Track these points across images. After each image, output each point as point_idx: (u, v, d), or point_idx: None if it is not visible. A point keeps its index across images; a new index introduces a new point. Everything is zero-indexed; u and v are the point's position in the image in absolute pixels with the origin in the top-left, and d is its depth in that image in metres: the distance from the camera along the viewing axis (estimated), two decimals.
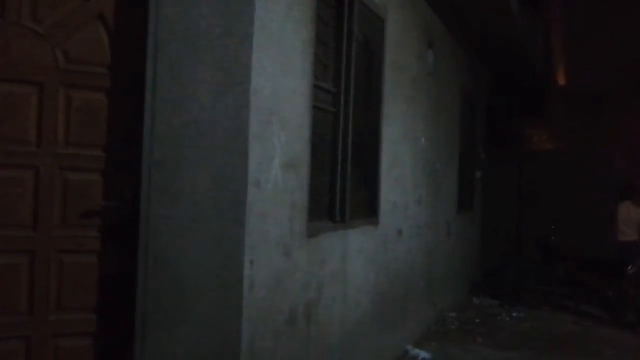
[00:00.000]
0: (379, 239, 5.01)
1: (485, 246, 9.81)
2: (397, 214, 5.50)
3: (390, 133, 5.25)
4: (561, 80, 22.17)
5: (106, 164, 3.05)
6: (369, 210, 4.91)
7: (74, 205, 2.98)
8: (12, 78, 2.91)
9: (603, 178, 9.71)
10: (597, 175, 9.65)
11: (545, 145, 18.06)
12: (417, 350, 5.55)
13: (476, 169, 9.31)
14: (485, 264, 9.68)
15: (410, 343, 5.72)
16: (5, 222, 2.91)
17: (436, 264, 6.94)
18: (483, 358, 5.65)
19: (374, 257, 4.91)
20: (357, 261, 4.51)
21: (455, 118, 7.90)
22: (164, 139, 3.00)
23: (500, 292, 8.58)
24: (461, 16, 7.02)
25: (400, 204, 5.58)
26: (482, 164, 9.62)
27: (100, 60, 3.06)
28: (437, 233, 6.98)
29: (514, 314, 7.63)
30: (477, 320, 7.21)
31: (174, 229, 3.00)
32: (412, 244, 5.96)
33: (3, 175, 2.91)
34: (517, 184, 10.03)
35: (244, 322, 3.00)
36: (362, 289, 4.65)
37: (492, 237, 9.84)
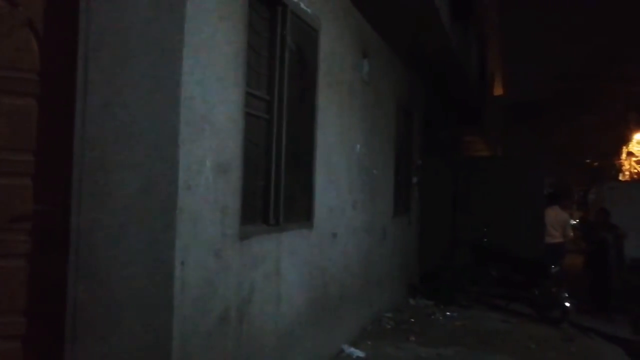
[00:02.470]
0: (314, 242, 5.17)
1: (422, 249, 10.14)
2: (332, 218, 5.68)
3: (325, 140, 5.43)
4: (497, 91, 23.09)
5: (37, 169, 3.08)
6: (304, 214, 5.07)
7: (4, 209, 3.01)
8: None
9: (532, 183, 10.20)
10: (527, 180, 10.12)
11: (481, 152, 18.81)
12: (352, 349, 5.73)
13: (412, 174, 9.63)
14: (422, 266, 10.00)
15: (345, 342, 5.89)
16: None
17: (373, 266, 7.16)
18: (415, 355, 5.88)
19: (309, 260, 5.06)
20: (291, 263, 4.65)
21: (391, 126, 8.18)
22: (94, 144, 3.07)
23: (435, 293, 8.90)
24: (394, 28, 7.30)
25: (335, 208, 5.77)
26: (418, 170, 9.95)
27: (30, 66, 3.10)
28: (373, 236, 7.21)
29: (448, 314, 7.95)
30: (412, 320, 7.47)
31: (104, 233, 3.06)
32: (348, 247, 6.15)
33: None
34: (453, 189, 10.40)
35: (175, 323, 3.09)
36: (297, 291, 4.80)
37: (429, 240, 10.18)
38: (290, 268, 4.64)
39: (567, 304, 7.80)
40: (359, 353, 5.67)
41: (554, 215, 9.17)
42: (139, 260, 3.08)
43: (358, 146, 6.55)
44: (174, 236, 3.09)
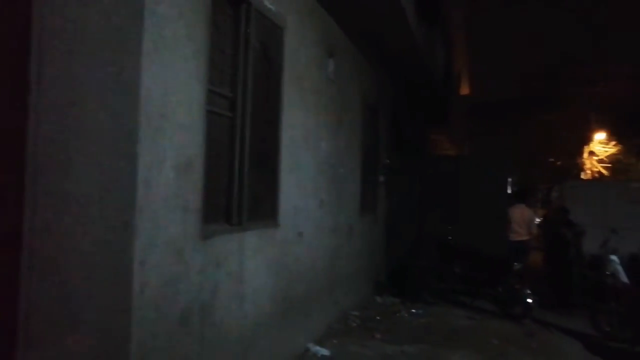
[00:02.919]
0: (278, 241, 5.15)
1: (389, 247, 10.20)
2: (298, 217, 5.66)
3: (290, 138, 5.41)
4: (464, 91, 23.41)
5: None
6: (268, 213, 5.04)
7: None
8: None
9: (496, 182, 10.36)
10: (491, 179, 10.28)
11: (447, 151, 19.05)
12: (317, 348, 5.73)
13: (379, 173, 9.68)
14: (389, 264, 10.07)
15: (311, 341, 5.89)
16: None
17: (339, 265, 7.17)
18: (380, 353, 5.91)
19: (274, 259, 5.04)
20: (255, 263, 4.63)
21: (358, 125, 8.20)
22: (49, 143, 3.00)
23: (401, 290, 8.97)
24: (360, 27, 7.32)
25: (301, 207, 5.76)
26: (385, 168, 10.01)
27: None
28: (339, 235, 7.22)
29: (413, 311, 8.03)
30: (378, 317, 7.51)
31: (60, 233, 3.00)
32: (313, 246, 6.15)
33: None
34: (419, 187, 10.50)
35: (133, 324, 3.05)
36: (261, 290, 4.77)
37: (396, 239, 10.25)
38: (254, 267, 4.61)
39: (529, 300, 7.94)
40: (324, 352, 5.68)
41: (519, 213, 9.31)
42: (96, 260, 3.02)
43: (324, 145, 6.55)
44: (133, 236, 3.04)
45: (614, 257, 8.27)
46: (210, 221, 3.97)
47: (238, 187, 4.38)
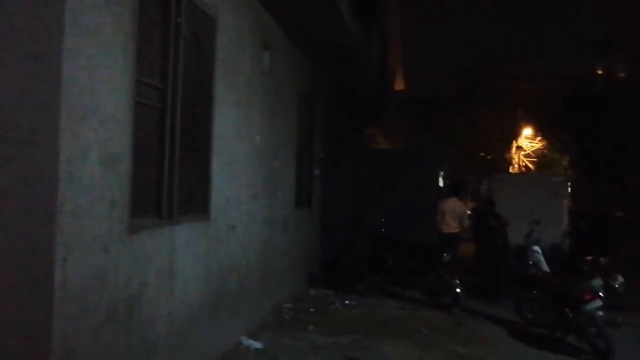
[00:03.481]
0: (210, 235, 5.11)
1: (324, 240, 10.30)
2: (230, 210, 5.63)
3: (223, 131, 5.36)
4: (399, 86, 23.84)
5: None
6: (200, 206, 4.98)
7: None
8: None
9: (427, 175, 10.65)
10: (422, 173, 10.56)
11: (382, 145, 19.38)
12: (250, 341, 5.72)
13: (314, 166, 9.74)
14: (324, 256, 10.17)
15: (244, 334, 5.88)
16: None
17: (273, 258, 7.18)
18: (313, 344, 5.97)
19: (206, 253, 4.99)
20: (186, 257, 4.56)
21: (293, 119, 8.22)
22: None
23: (335, 282, 9.09)
24: (295, 21, 7.32)
25: (234, 200, 5.72)
26: (320, 162, 10.08)
27: None
28: (273, 228, 7.23)
29: (347, 302, 8.15)
30: (312, 309, 7.58)
31: None
32: (247, 239, 6.13)
33: None
34: (354, 180, 10.65)
35: (55, 321, 2.95)
36: (192, 284, 4.72)
37: (330, 231, 10.36)
38: (185, 262, 4.55)
39: (458, 290, 8.23)
40: (257, 345, 5.68)
41: (452, 206, 9.61)
42: (17, 257, 2.90)
43: (258, 137, 6.52)
44: (54, 231, 2.93)
45: (536, 248, 8.72)
46: (139, 215, 3.88)
47: (168, 180, 4.30)
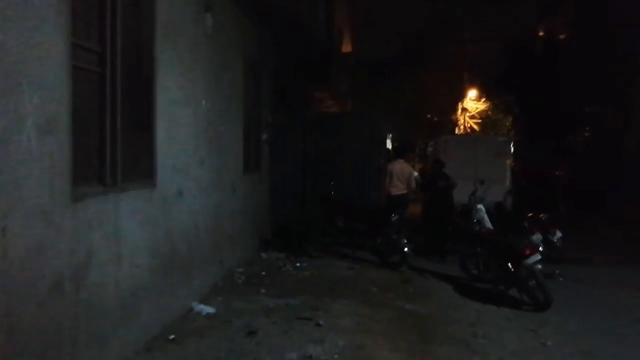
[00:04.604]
0: (156, 201, 5.04)
1: (274, 205, 10.32)
2: (177, 176, 5.55)
3: (166, 95, 5.24)
4: (346, 48, 23.73)
5: None
6: (145, 173, 4.89)
7: None
8: None
9: (374, 138, 10.75)
10: (370, 136, 10.65)
11: (330, 109, 19.38)
12: (201, 306, 5.74)
13: (262, 131, 9.68)
14: (274, 221, 10.21)
15: (195, 300, 5.88)
16: None
17: (223, 223, 7.16)
18: (265, 306, 6.04)
19: (152, 219, 4.93)
20: (132, 224, 4.50)
21: (239, 83, 8.09)
22: None
23: (286, 245, 9.16)
24: None
25: (180, 166, 5.64)
26: (268, 127, 10.02)
27: None
28: (222, 193, 7.18)
29: (298, 265, 8.25)
30: (263, 273, 7.64)
31: None
32: (195, 205, 6.08)
33: None
34: (302, 145, 10.64)
35: None
36: (140, 251, 4.67)
37: (280, 196, 10.39)
38: (131, 229, 4.48)
39: (406, 249, 8.44)
40: (208, 309, 5.70)
41: (399, 168, 9.74)
42: None
43: (203, 102, 6.41)
44: None
45: (480, 206, 8.98)
46: (82, 183, 3.79)
47: (110, 146, 4.20)
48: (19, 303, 3.07)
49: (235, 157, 7.93)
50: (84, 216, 3.76)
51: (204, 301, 5.97)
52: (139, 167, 4.76)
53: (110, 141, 4.19)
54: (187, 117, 5.90)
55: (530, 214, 9.55)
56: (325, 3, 13.15)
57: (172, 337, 4.89)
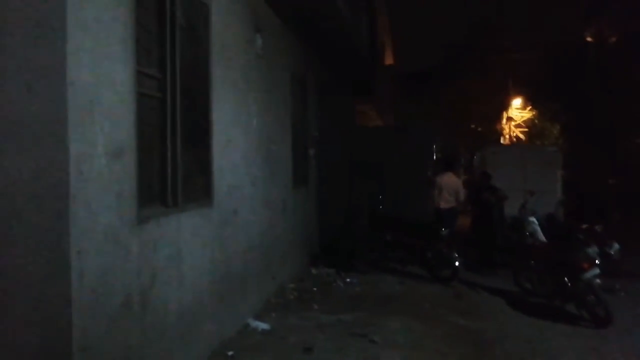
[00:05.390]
0: (214, 221, 5.16)
1: (322, 220, 10.38)
2: (232, 195, 5.67)
3: (221, 116, 5.38)
4: (388, 61, 23.75)
5: None
6: (203, 193, 5.02)
7: None
8: None
9: (422, 151, 10.72)
10: (417, 149, 10.62)
11: (374, 122, 19.39)
12: (257, 323, 5.82)
13: (309, 146, 9.77)
14: (323, 236, 10.26)
15: (250, 316, 5.98)
16: None
17: (275, 240, 7.25)
18: (318, 323, 6.08)
19: (211, 238, 5.05)
20: (192, 243, 4.62)
21: (287, 99, 8.22)
22: None
23: (335, 261, 9.19)
24: (286, 1, 7.29)
25: (235, 185, 5.76)
26: (315, 141, 10.11)
27: None
28: (274, 210, 7.29)
29: (348, 280, 8.27)
30: (315, 289, 7.69)
31: None
32: (249, 223, 6.19)
33: None
34: (349, 159, 10.69)
35: (74, 313, 3.01)
36: (199, 270, 4.78)
37: (328, 211, 10.44)
38: (191, 248, 4.61)
39: (457, 263, 8.36)
40: (264, 325, 5.78)
41: (448, 181, 9.65)
42: (32, 251, 2.95)
43: (255, 121, 6.54)
44: (68, 224, 2.98)
45: (532, 219, 8.83)
46: (146, 205, 3.92)
47: (171, 168, 4.34)
48: (93, 323, 3.20)
49: (285, 174, 8.03)
50: (148, 237, 3.89)
51: (258, 317, 6.06)
52: (197, 188, 4.89)
53: (171, 163, 4.33)
54: (240, 137, 6.03)
55: (584, 226, 9.31)
56: (368, 16, 13.23)
57: (230, 353, 4.98)
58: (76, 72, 3.05)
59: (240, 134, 6.01)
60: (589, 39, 24.40)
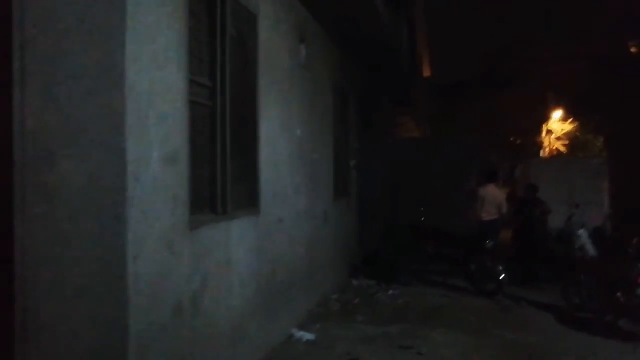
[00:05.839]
0: (261, 228, 5.16)
1: (362, 230, 10.31)
2: (277, 203, 5.67)
3: (267, 125, 5.41)
4: (425, 72, 23.62)
5: None
6: (250, 200, 5.04)
7: None
8: None
9: (464, 162, 10.57)
10: (459, 160, 10.48)
11: (412, 133, 19.29)
12: (301, 333, 5.78)
13: (350, 157, 9.74)
14: (363, 247, 10.18)
15: (295, 326, 5.94)
16: None
17: (317, 250, 7.22)
18: (363, 334, 6.00)
19: (257, 246, 5.05)
20: (240, 251, 4.63)
21: (329, 109, 8.22)
22: (36, 137, 2.94)
23: (376, 272, 9.10)
24: (329, 11, 7.31)
25: (279, 193, 5.77)
26: (355, 152, 10.08)
27: None
28: (316, 220, 7.26)
29: (390, 292, 8.16)
30: (357, 300, 7.62)
31: (51, 228, 2.95)
32: (293, 232, 6.18)
33: None
34: (389, 170, 10.62)
35: (130, 317, 3.03)
36: (247, 278, 4.78)
37: (368, 222, 10.37)
38: (240, 255, 4.62)
39: (502, 277, 8.17)
40: (309, 336, 5.74)
41: (490, 193, 9.45)
42: (90, 255, 2.98)
43: (298, 130, 6.55)
44: (125, 229, 3.01)
45: (582, 232, 8.57)
46: (197, 212, 3.95)
47: (221, 175, 4.36)
48: (147, 327, 3.21)
49: (326, 184, 8.01)
50: (199, 244, 3.91)
51: (302, 327, 6.02)
52: (244, 196, 4.90)
53: (220, 170, 4.35)
54: (284, 145, 6.04)
55: (634, 239, 8.99)
56: (407, 27, 13.19)
57: None
58: (134, 78, 3.10)
59: (284, 143, 6.03)
60: (633, 49, 23.81)
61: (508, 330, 6.48)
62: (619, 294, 6.57)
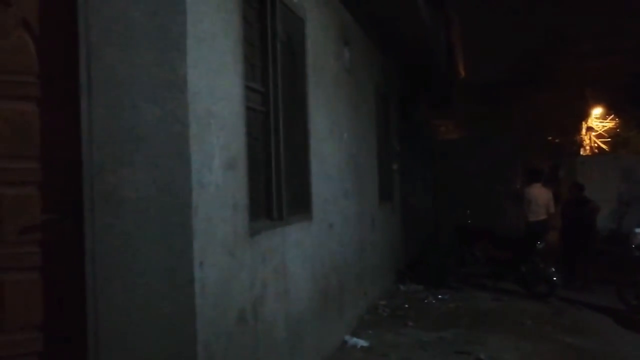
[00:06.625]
0: (314, 234, 5.12)
1: (407, 234, 10.18)
2: (328, 208, 5.62)
3: (316, 130, 5.37)
4: (461, 72, 23.33)
5: (43, 176, 2.93)
6: (302, 206, 5.00)
7: (12, 221, 2.85)
8: None
9: (505, 162, 10.35)
10: (502, 160, 10.27)
11: (451, 135, 19.06)
12: (355, 339, 5.70)
13: (392, 161, 9.64)
14: (408, 251, 10.05)
15: (348, 333, 5.87)
16: None
17: (366, 255, 7.15)
18: (418, 340, 5.89)
19: (311, 252, 5.01)
20: (296, 257, 4.59)
21: (372, 113, 8.15)
22: (103, 146, 2.94)
23: (424, 277, 8.95)
24: (372, 14, 7.26)
25: (330, 198, 5.72)
26: (397, 156, 9.97)
27: (27, 68, 2.94)
28: (364, 224, 7.19)
29: (439, 297, 8.01)
30: (407, 305, 7.50)
31: (120, 237, 2.94)
32: (343, 237, 6.12)
33: None
34: (432, 172, 10.48)
35: (198, 325, 3.00)
36: (302, 284, 4.74)
37: (412, 226, 10.23)
38: (295, 261, 4.58)
39: (555, 279, 7.95)
40: (362, 342, 5.66)
41: (537, 192, 9.23)
42: (157, 263, 2.97)
43: (345, 135, 6.50)
44: (192, 236, 2.99)
45: (639, 230, 8.29)
46: (255, 218, 3.92)
47: (276, 181, 4.33)
48: (213, 334, 3.18)
49: (372, 188, 7.93)
50: (258, 250, 3.88)
51: (355, 334, 5.94)
52: (297, 201, 4.86)
53: (276, 176, 4.32)
54: (333, 150, 5.99)
55: None
56: (445, 28, 13.03)
57: None
58: (196, 85, 3.09)
59: (333, 148, 5.98)
60: None
61: (567, 334, 6.28)
62: None
